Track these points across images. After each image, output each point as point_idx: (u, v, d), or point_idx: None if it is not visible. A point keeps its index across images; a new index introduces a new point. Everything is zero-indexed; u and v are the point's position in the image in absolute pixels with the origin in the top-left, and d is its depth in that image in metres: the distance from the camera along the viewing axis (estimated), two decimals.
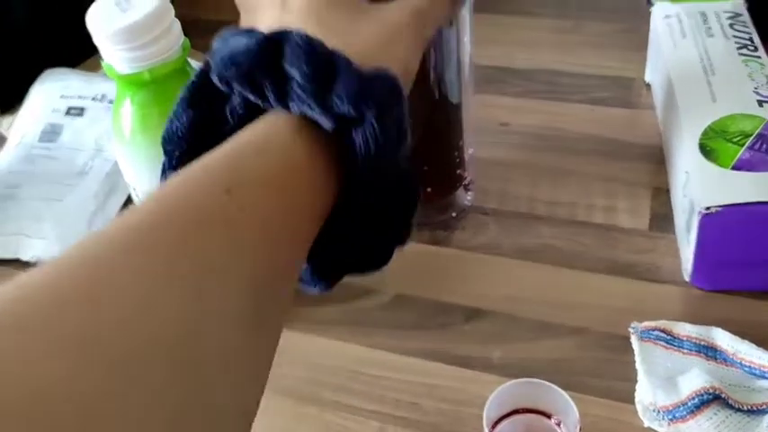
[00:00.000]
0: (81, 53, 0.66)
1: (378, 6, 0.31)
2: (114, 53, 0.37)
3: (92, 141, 0.59)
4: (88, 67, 0.67)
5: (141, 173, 0.40)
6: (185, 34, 0.39)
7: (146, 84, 0.37)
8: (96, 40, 0.37)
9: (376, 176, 0.27)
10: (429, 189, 0.50)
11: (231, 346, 0.22)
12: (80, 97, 0.62)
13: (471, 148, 0.51)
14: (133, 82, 0.37)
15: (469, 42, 0.47)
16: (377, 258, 0.31)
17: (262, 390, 0.24)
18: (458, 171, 0.51)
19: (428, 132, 0.47)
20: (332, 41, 0.27)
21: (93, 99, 0.62)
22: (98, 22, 0.36)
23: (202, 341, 0.21)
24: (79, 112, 0.61)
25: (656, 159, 0.54)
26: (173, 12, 0.37)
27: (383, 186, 0.28)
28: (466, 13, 0.45)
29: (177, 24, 0.38)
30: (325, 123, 0.26)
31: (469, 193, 0.52)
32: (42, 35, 0.68)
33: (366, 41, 0.29)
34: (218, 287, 0.22)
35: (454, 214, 0.52)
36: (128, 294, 0.20)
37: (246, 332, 0.23)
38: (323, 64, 0.26)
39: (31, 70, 0.65)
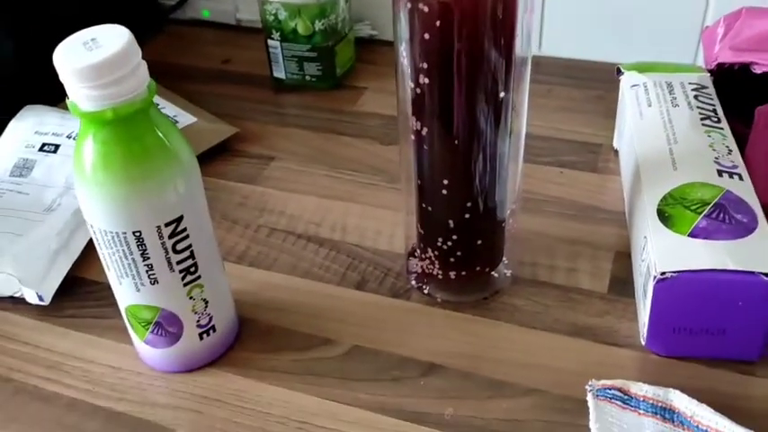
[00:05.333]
0: (62, 91, 0.66)
1: None
2: (78, 90, 0.37)
3: (63, 179, 0.59)
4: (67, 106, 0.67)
5: (99, 211, 0.40)
6: (154, 77, 0.39)
7: (109, 122, 0.38)
8: (62, 77, 0.37)
9: None
10: (478, 268, 0.49)
11: None
12: (55, 134, 0.62)
13: (511, 218, 0.49)
14: (96, 120, 0.38)
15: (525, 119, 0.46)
16: None
17: None
18: (504, 245, 0.50)
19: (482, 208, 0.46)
20: None
21: (68, 137, 0.62)
22: (64, 60, 0.37)
23: None
24: (53, 149, 0.61)
25: (620, 224, 0.54)
26: (140, 53, 0.38)
27: None
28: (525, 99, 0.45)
29: (144, 66, 0.38)
30: None
31: (508, 269, 0.51)
32: (26, 72, 0.69)
33: None
34: None
35: (496, 291, 0.50)
36: None
37: None
38: None
39: (12, 106, 0.65)
